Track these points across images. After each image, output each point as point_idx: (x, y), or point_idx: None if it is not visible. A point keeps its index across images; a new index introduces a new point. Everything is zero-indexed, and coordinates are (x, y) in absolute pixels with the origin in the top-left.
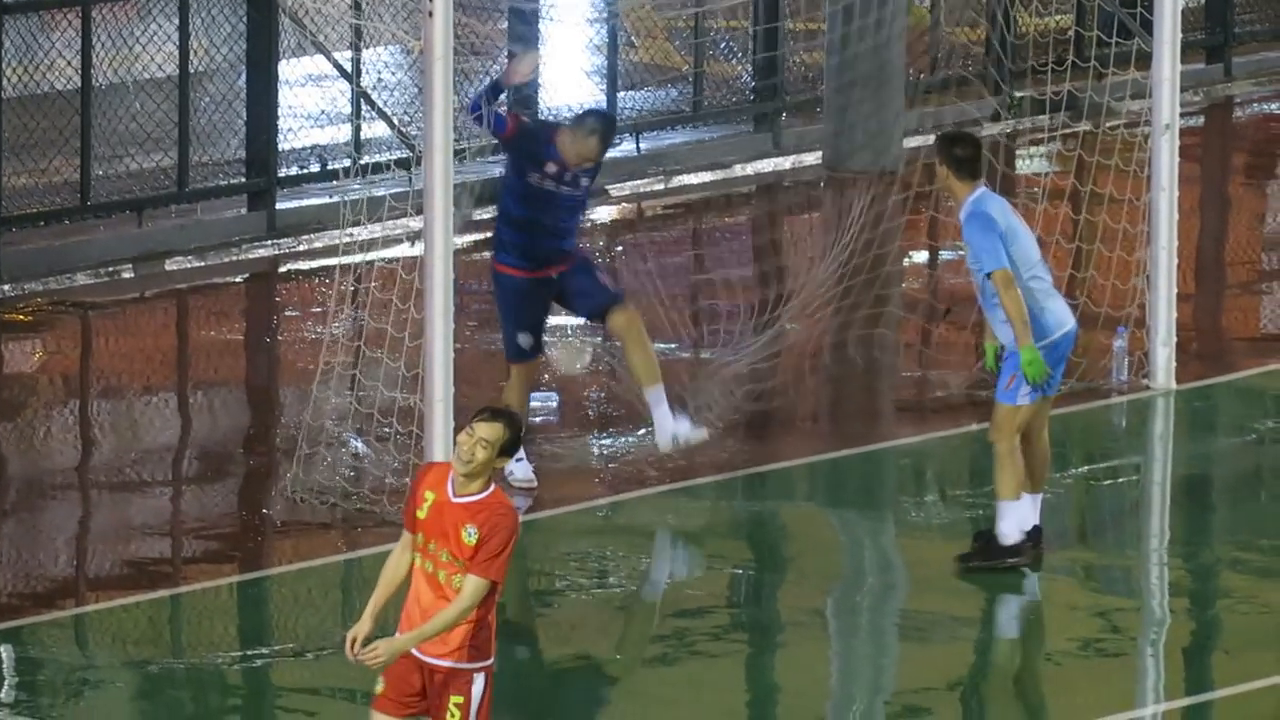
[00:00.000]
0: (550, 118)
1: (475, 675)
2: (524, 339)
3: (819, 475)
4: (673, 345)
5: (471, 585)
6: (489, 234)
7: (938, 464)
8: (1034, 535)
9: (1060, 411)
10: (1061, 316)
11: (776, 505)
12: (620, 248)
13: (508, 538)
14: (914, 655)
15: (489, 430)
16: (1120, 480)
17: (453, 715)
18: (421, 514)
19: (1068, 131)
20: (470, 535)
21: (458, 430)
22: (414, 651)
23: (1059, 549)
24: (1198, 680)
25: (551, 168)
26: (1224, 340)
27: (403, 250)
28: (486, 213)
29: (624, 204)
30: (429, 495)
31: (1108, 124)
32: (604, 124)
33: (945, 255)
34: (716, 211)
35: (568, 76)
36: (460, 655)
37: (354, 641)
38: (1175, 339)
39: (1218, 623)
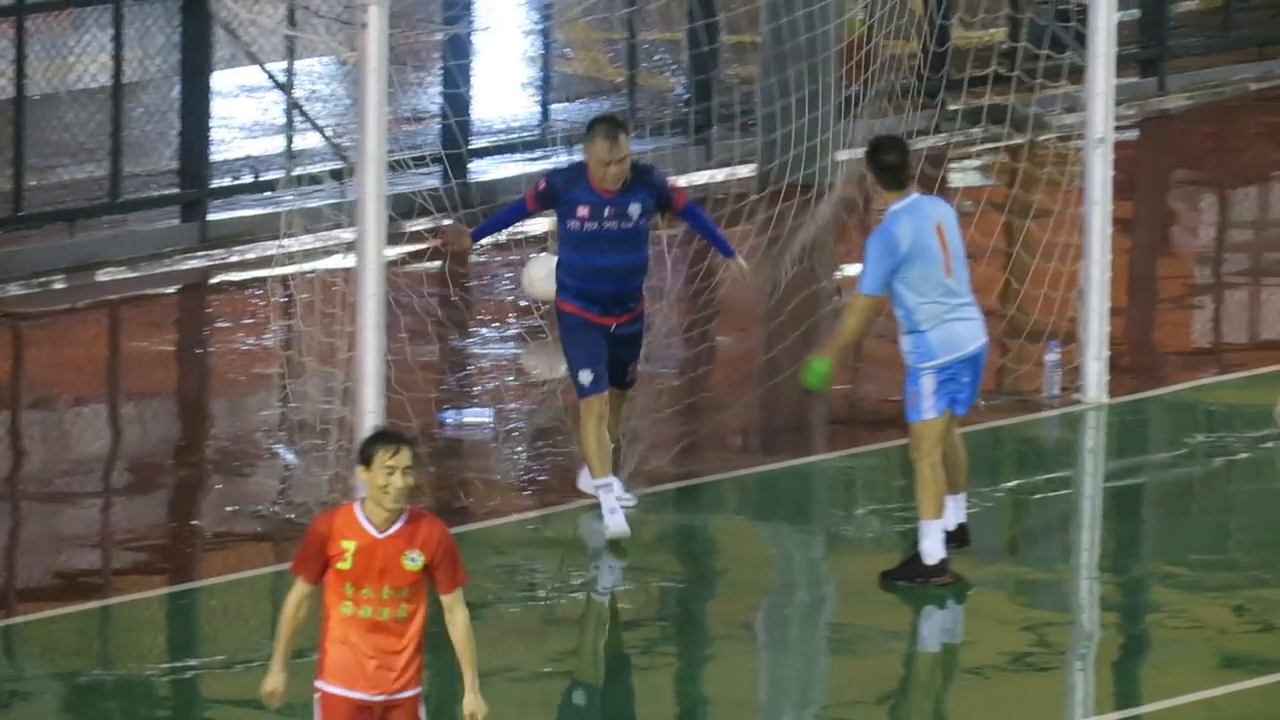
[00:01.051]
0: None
1: (420, 698)
2: (585, 375)
3: (749, 489)
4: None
5: (459, 602)
6: (422, 245)
7: (868, 478)
8: (959, 534)
9: (992, 425)
10: (956, 341)
11: (707, 518)
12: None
13: (454, 545)
14: (843, 668)
15: (408, 457)
16: (1051, 494)
17: None
18: (345, 565)
19: (1002, 145)
20: (414, 560)
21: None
22: (361, 695)
23: (989, 563)
24: (1127, 695)
25: (584, 210)
26: (1156, 354)
27: (335, 261)
28: (419, 224)
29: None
30: (348, 545)
31: (1042, 137)
32: (608, 123)
33: None
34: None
35: (501, 88)
36: (415, 681)
37: (274, 695)
38: (1107, 352)
39: (1147, 637)
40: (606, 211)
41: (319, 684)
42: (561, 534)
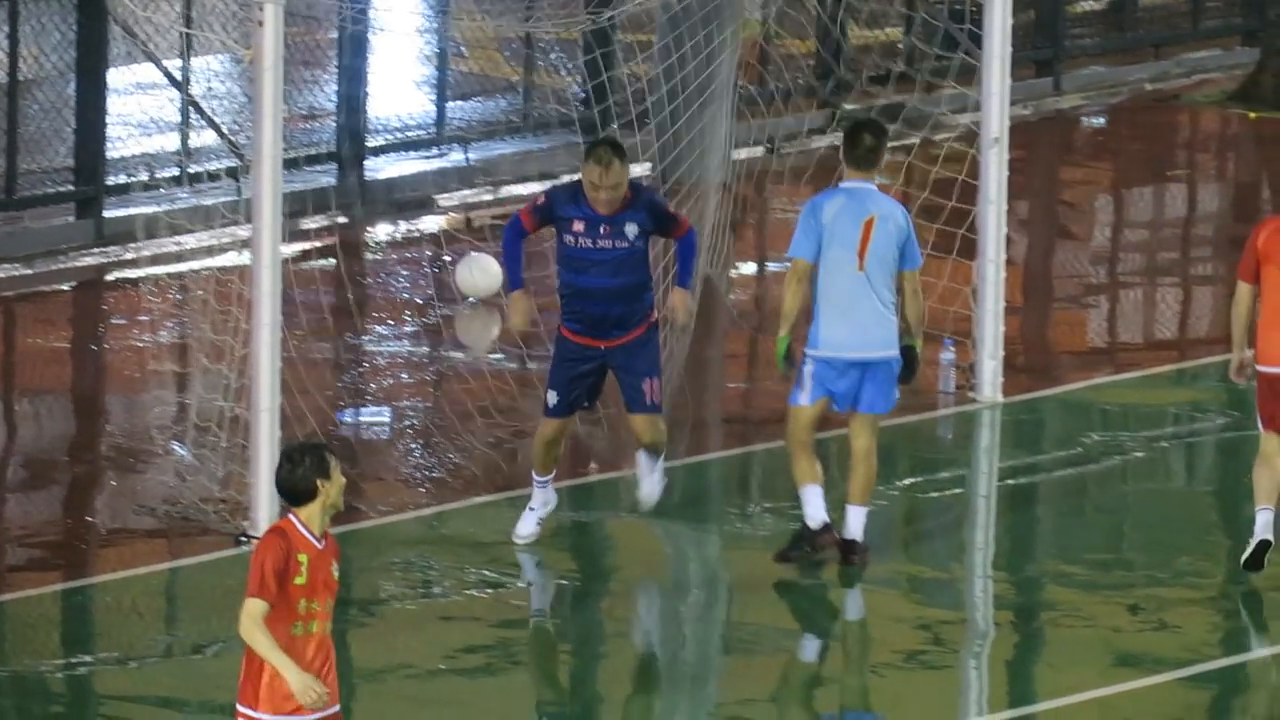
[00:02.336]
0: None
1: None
2: (550, 396)
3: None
4: (499, 356)
5: None
6: (319, 243)
7: (762, 475)
8: (846, 547)
9: (886, 423)
10: (840, 341)
11: (601, 515)
12: (449, 258)
13: None
14: (738, 666)
15: (332, 461)
16: (945, 493)
17: None
18: (301, 579)
19: (897, 144)
20: (336, 570)
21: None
22: (296, 718)
23: (883, 561)
24: (1021, 693)
25: (579, 225)
26: (1050, 353)
27: (231, 259)
28: (315, 222)
29: (452, 214)
30: (302, 558)
31: (937, 136)
32: (603, 146)
33: (772, 266)
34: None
35: (397, 87)
36: (337, 695)
37: (313, 690)
38: (1002, 352)
39: (1041, 636)
40: (601, 229)
41: (250, 712)
42: (457, 531)
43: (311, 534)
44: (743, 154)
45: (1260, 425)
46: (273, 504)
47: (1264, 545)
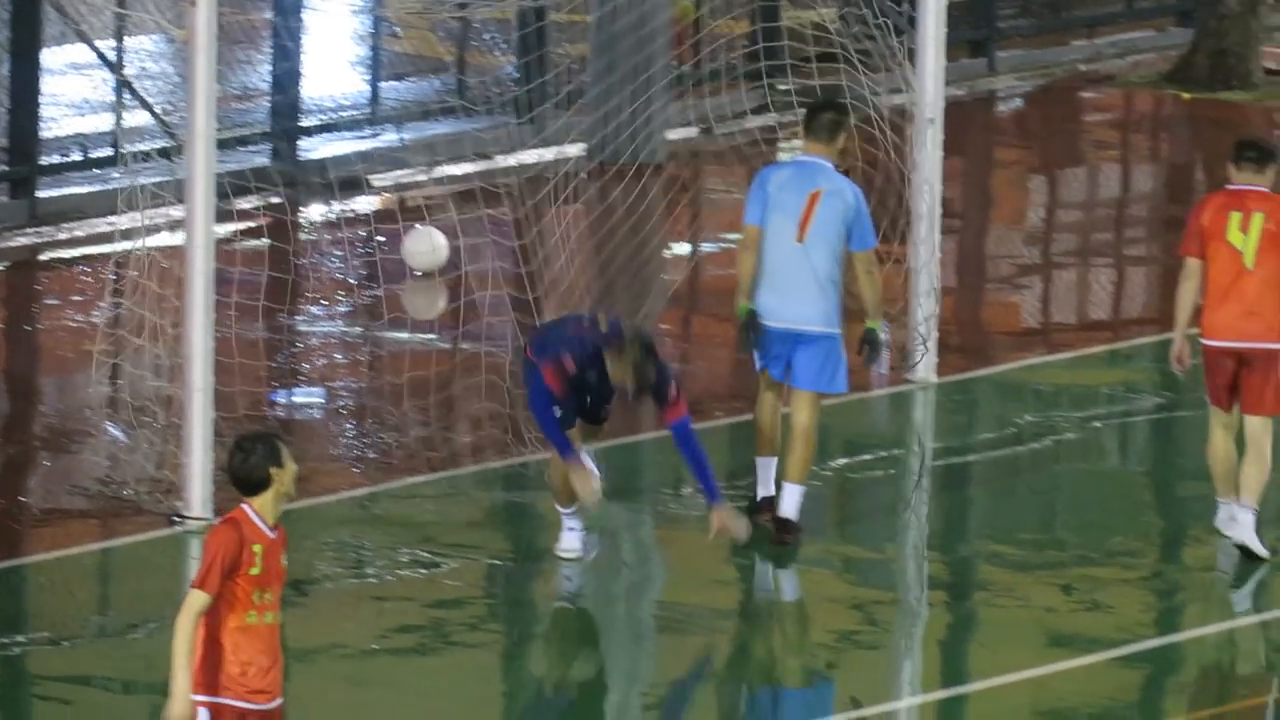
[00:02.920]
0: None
1: None
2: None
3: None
4: (432, 336)
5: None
6: (252, 223)
7: None
8: (779, 525)
9: (822, 403)
10: (770, 310)
11: (535, 496)
12: (382, 238)
13: None
14: (672, 647)
15: (284, 448)
16: (879, 473)
17: None
18: (256, 570)
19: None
20: (285, 559)
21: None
22: (260, 706)
23: (817, 541)
24: (954, 673)
25: (591, 374)
26: (985, 334)
27: (165, 239)
28: (247, 202)
29: (386, 194)
30: (257, 549)
31: (870, 116)
32: (646, 363)
33: (706, 247)
34: (479, 202)
35: (331, 67)
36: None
37: None
38: (936, 332)
39: (974, 616)
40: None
41: (209, 699)
42: (390, 512)
43: (264, 523)
44: (677, 134)
45: (1209, 399)
46: (206, 484)
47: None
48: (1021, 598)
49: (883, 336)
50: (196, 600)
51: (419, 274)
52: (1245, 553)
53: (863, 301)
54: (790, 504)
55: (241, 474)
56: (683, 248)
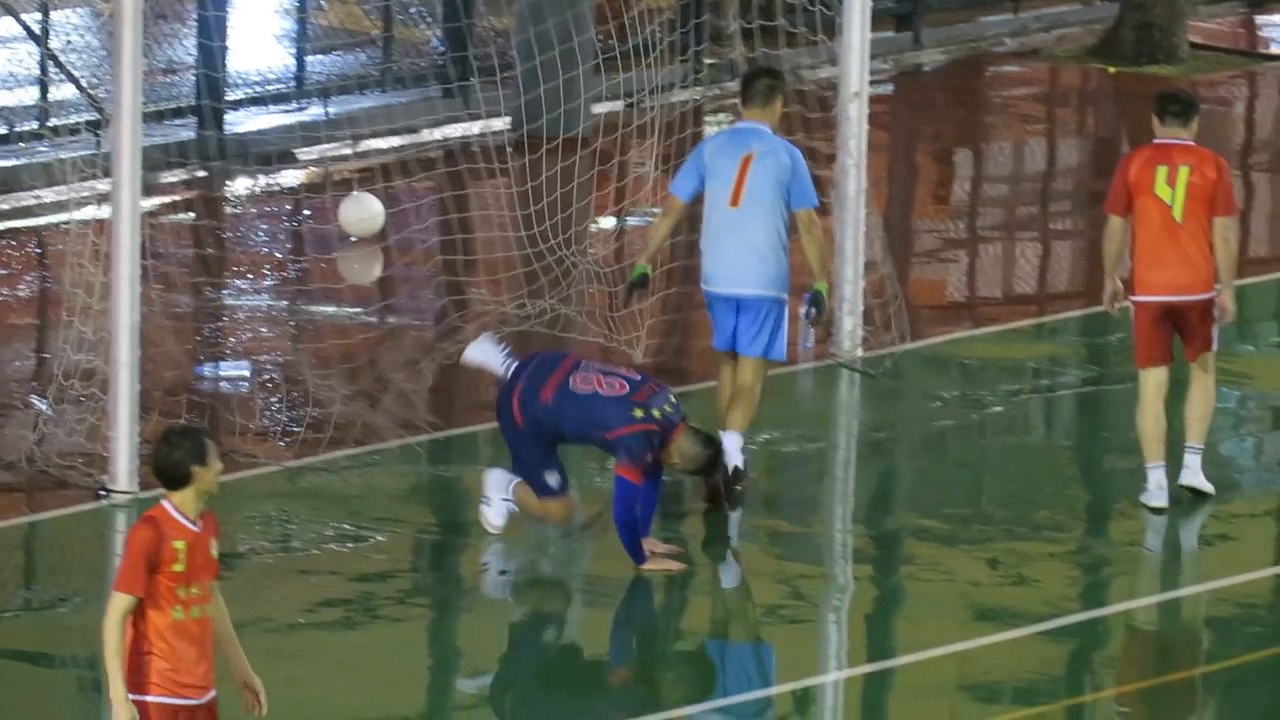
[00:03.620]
0: (672, 415)
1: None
2: (550, 477)
3: (501, 441)
4: (357, 309)
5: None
6: (178, 197)
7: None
8: (734, 475)
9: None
10: (710, 274)
11: (460, 470)
12: (308, 211)
13: None
14: (597, 620)
15: (210, 447)
16: (805, 447)
17: None
18: (180, 566)
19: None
20: (214, 548)
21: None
22: (186, 702)
23: (743, 516)
24: (880, 647)
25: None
26: (910, 308)
27: (90, 213)
28: (175, 175)
29: (312, 168)
30: (179, 546)
31: (797, 89)
32: (715, 454)
33: (633, 221)
34: (405, 176)
35: (257, 41)
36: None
37: None
38: (862, 307)
39: (901, 590)
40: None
41: (139, 697)
42: (315, 485)
43: (186, 518)
44: (603, 108)
45: (1136, 360)
46: (132, 458)
47: (1161, 510)
48: (947, 572)
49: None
50: (121, 602)
51: (355, 239)
52: (1194, 493)
53: (807, 260)
54: (732, 449)
55: (164, 468)
56: (608, 221)
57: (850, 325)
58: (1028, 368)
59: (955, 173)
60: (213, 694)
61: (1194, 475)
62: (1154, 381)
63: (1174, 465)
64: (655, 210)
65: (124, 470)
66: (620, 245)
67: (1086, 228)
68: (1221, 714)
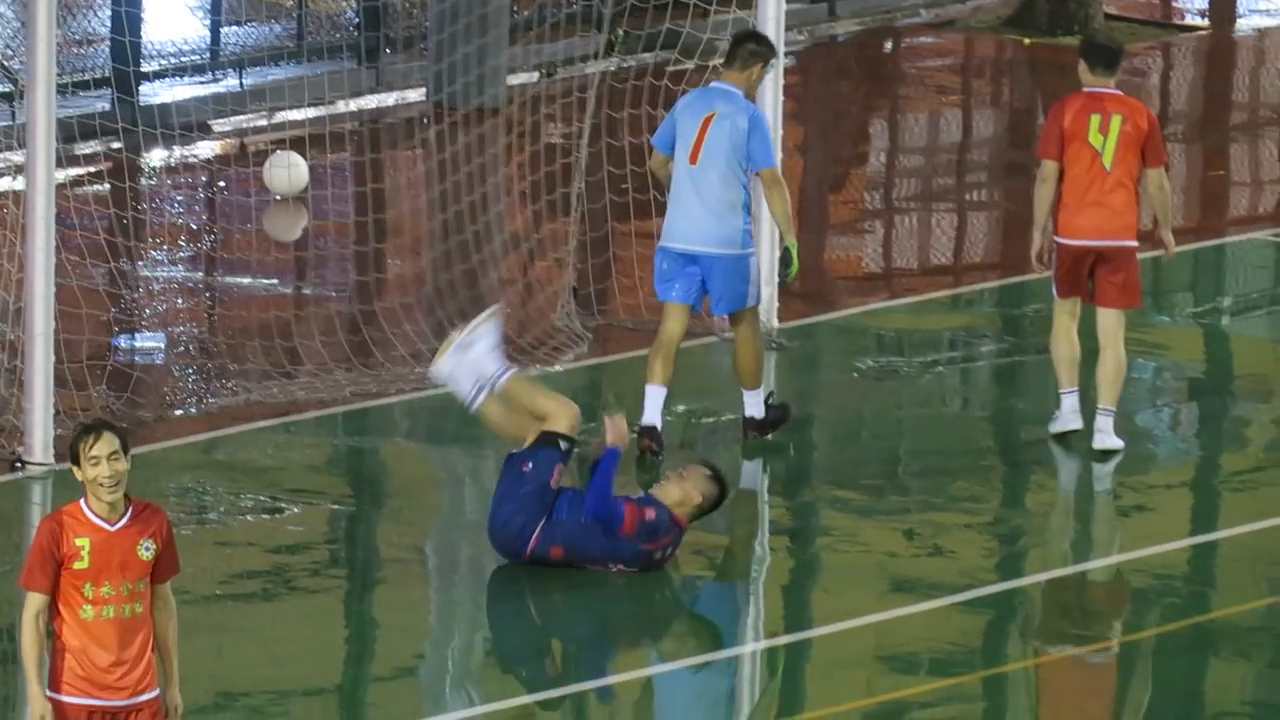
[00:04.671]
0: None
1: (160, 699)
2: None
3: (420, 412)
4: (274, 280)
5: (169, 591)
6: (93, 168)
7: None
8: (747, 423)
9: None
10: (672, 230)
11: (377, 441)
12: (222, 183)
13: (172, 531)
14: (513, 593)
15: (110, 444)
16: (721, 419)
17: None
18: (81, 564)
19: (673, 69)
20: (148, 550)
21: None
22: (102, 702)
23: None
24: (796, 618)
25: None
26: (826, 279)
27: (4, 184)
28: (88, 147)
29: (227, 140)
30: (82, 543)
31: (714, 61)
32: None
33: (547, 192)
34: (319, 148)
35: (172, 12)
36: (156, 681)
37: None
38: (778, 278)
39: (817, 561)
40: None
41: (53, 696)
42: (232, 456)
43: (97, 515)
44: (518, 79)
45: (1055, 292)
46: (47, 429)
47: (1074, 433)
48: (864, 543)
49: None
50: (29, 599)
51: (279, 197)
52: (1106, 455)
53: (774, 220)
54: (752, 405)
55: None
56: (522, 191)
57: (766, 294)
58: (944, 339)
59: (871, 144)
60: (146, 696)
61: (1106, 438)
62: (1068, 311)
63: (1088, 416)
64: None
65: (39, 441)
66: (535, 211)
67: (1003, 199)
68: (1139, 684)
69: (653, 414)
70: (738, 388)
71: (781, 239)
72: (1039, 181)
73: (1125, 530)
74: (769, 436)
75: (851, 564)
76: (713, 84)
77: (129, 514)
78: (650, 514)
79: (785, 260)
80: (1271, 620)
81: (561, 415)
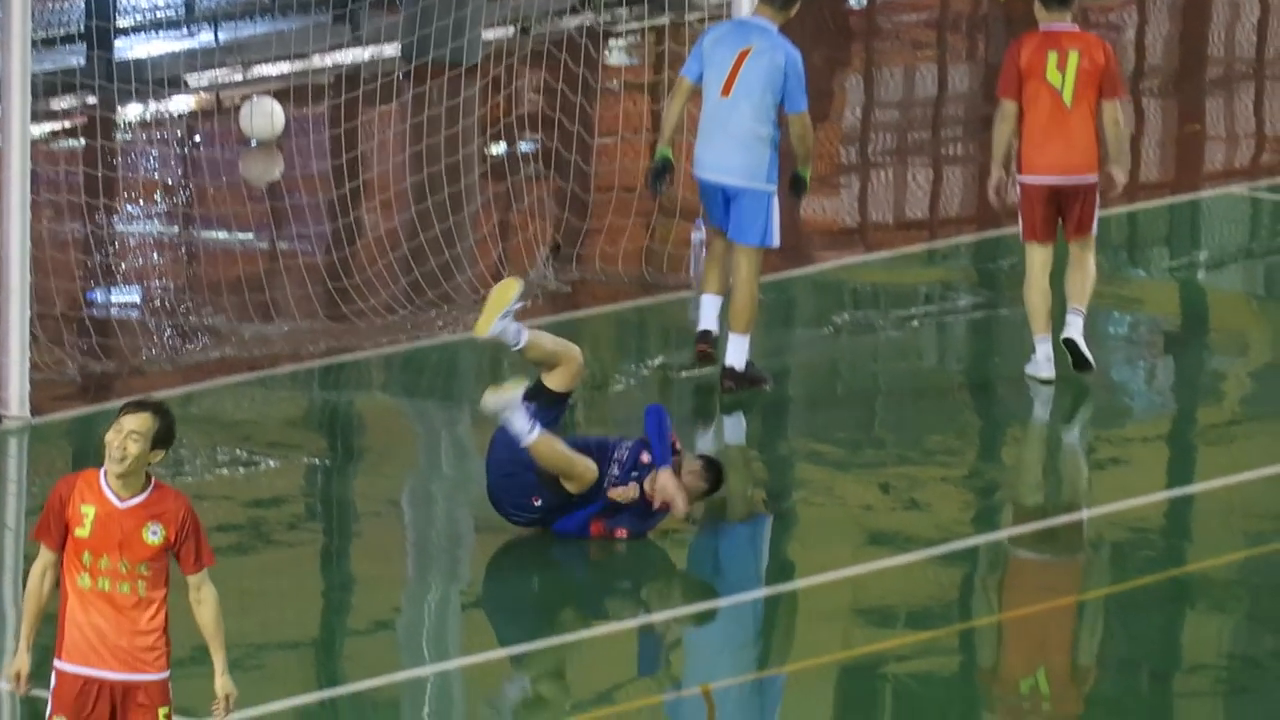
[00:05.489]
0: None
1: (168, 682)
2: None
3: (395, 366)
4: (249, 235)
5: (206, 581)
6: (68, 123)
7: (514, 354)
8: (724, 372)
9: (637, 304)
10: (700, 160)
11: (352, 395)
12: (198, 138)
13: (198, 522)
14: (489, 544)
15: (137, 422)
16: (695, 372)
17: None
18: (83, 531)
19: (648, 24)
20: (155, 534)
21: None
22: (96, 673)
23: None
24: (773, 572)
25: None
26: (801, 234)
27: None
28: (66, 100)
29: (203, 94)
30: (87, 510)
31: (689, 17)
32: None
33: (524, 147)
34: (295, 103)
35: None
36: (163, 664)
37: (20, 678)
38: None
39: (793, 515)
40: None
41: (56, 663)
42: (208, 411)
43: (112, 490)
44: (493, 34)
45: (1025, 236)
46: (23, 382)
47: (1049, 382)
48: (839, 497)
49: (696, 236)
50: (40, 552)
51: (255, 143)
52: (1073, 352)
53: (794, 147)
54: (734, 353)
55: None
56: (499, 148)
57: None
58: (919, 293)
59: (847, 98)
60: (145, 677)
61: (1075, 331)
62: (1040, 258)
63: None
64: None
65: (14, 395)
66: (509, 164)
67: (978, 153)
68: (1115, 638)
69: (708, 320)
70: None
71: (796, 169)
72: (998, 120)
73: (1101, 483)
74: (738, 391)
75: (827, 518)
76: (747, 18)
77: (144, 495)
78: (621, 534)
79: (795, 185)
80: (1247, 573)
81: (562, 371)
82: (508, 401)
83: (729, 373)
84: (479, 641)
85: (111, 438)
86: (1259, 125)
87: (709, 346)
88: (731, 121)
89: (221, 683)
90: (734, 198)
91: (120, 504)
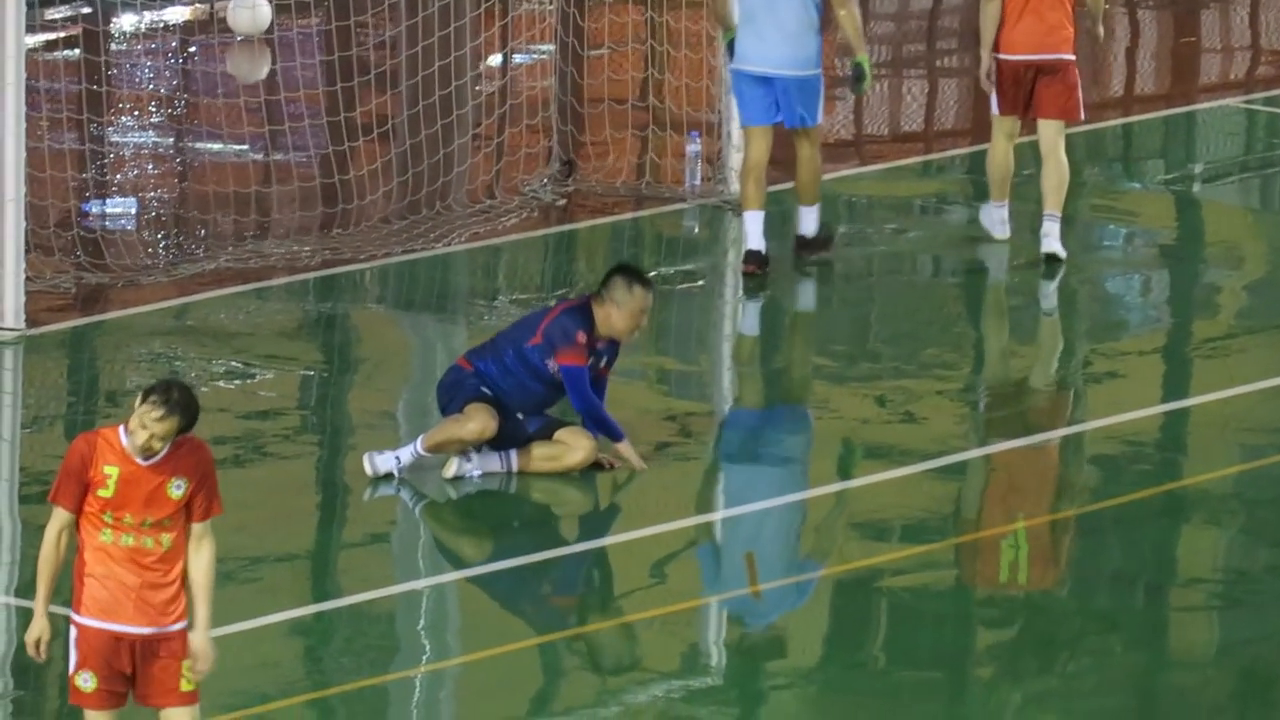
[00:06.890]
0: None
1: (187, 631)
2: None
3: (390, 277)
4: (244, 146)
5: (208, 532)
6: (63, 33)
7: (510, 266)
8: (812, 242)
9: (634, 215)
10: (745, 54)
11: (348, 307)
12: (194, 48)
13: (214, 471)
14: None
15: (163, 428)
16: (690, 285)
17: (188, 681)
18: (106, 492)
19: None
20: (178, 488)
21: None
22: (121, 628)
23: (628, 353)
24: (768, 485)
25: (583, 336)
26: (792, 147)
27: None
28: (60, 11)
29: (197, 6)
30: (110, 471)
31: None
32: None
33: (519, 59)
34: (284, 12)
35: None
36: (183, 614)
37: (41, 643)
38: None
39: (789, 428)
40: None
41: (75, 618)
42: (202, 322)
43: (135, 450)
44: None
45: (995, 108)
46: (18, 294)
47: (1003, 240)
48: (835, 409)
49: (692, 149)
50: (54, 514)
51: (241, 38)
52: (1050, 259)
53: (846, 37)
54: (806, 222)
55: None
56: (494, 59)
57: (738, 159)
58: (915, 205)
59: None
60: (173, 628)
61: (1052, 242)
62: (1005, 130)
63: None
64: (539, 48)
65: (10, 307)
66: (506, 82)
67: (973, 65)
68: (1110, 551)
69: (755, 238)
70: (705, 255)
71: (852, 56)
72: (984, 2)
73: (1097, 397)
74: (813, 257)
75: (823, 431)
76: None
77: (164, 453)
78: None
79: (858, 75)
80: (1242, 487)
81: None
82: (382, 461)
83: (801, 241)
84: (474, 554)
85: (136, 427)
86: (1254, 38)
87: (758, 267)
88: (780, 14)
89: (202, 641)
90: (786, 88)
91: (144, 462)
